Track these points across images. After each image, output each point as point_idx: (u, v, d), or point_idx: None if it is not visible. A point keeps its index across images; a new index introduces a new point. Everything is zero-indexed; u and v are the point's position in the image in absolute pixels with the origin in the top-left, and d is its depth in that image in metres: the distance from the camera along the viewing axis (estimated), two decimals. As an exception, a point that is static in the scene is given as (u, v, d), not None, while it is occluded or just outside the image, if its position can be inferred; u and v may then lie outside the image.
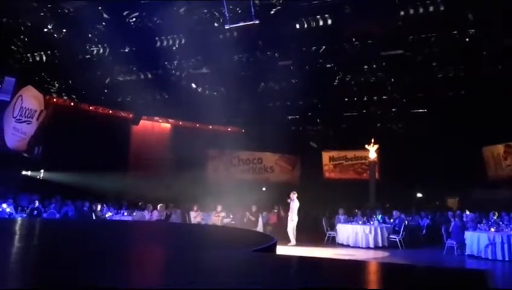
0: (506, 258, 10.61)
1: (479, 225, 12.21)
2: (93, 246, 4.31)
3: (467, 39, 14.86)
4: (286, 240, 13.18)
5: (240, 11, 13.42)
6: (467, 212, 14.99)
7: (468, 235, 11.49)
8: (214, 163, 22.70)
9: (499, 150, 20.02)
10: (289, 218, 13.81)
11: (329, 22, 15.03)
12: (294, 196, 13.92)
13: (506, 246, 10.70)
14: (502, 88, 16.31)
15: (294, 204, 13.81)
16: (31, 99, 15.87)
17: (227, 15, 12.23)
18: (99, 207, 14.44)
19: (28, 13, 14.90)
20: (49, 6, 14.81)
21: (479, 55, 15.47)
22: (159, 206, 14.52)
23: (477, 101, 17.32)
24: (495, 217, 13.33)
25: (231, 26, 12.30)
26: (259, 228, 14.54)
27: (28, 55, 16.55)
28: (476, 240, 11.20)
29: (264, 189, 21.66)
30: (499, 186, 18.74)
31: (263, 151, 23.05)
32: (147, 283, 2.25)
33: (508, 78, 15.76)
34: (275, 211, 16.96)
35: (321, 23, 15.13)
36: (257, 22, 12.00)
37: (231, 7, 13.13)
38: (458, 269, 7.05)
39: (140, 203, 15.63)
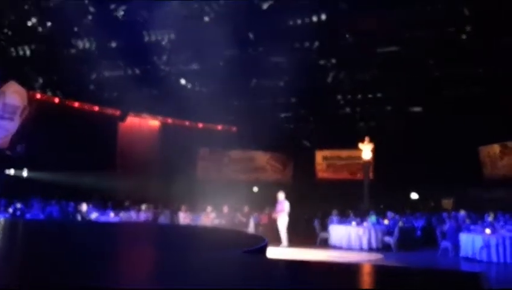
0: (501, 260, 10.45)
1: (473, 227, 12.08)
2: (78, 247, 4.22)
3: (464, 37, 14.76)
4: (278, 241, 12.98)
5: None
6: (462, 212, 14.88)
7: (463, 237, 11.34)
8: (204, 162, 22.52)
9: (495, 150, 20.08)
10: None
11: (324, 18, 14.92)
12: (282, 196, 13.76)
13: (501, 248, 10.55)
14: (498, 88, 16.28)
15: (285, 205, 13.56)
16: (13, 95, 15.53)
17: None
18: (84, 207, 14.08)
19: (11, 6, 14.60)
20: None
21: (476, 54, 15.38)
22: (143, 207, 14.26)
23: (474, 101, 17.37)
24: (490, 218, 13.21)
25: None
26: (251, 228, 14.33)
27: (11, 49, 16.26)
28: (470, 242, 11.04)
29: (255, 189, 21.45)
30: (495, 187, 18.68)
31: (255, 151, 22.90)
32: (134, 283, 2.22)
33: (504, 78, 15.72)
34: (266, 211, 16.70)
35: (315, 19, 15.01)
36: None
37: None
38: (453, 271, 6.87)
39: (126, 204, 15.32)
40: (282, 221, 13.34)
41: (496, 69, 15.87)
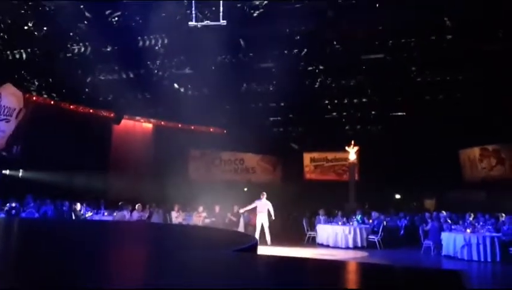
0: (482, 259, 10.80)
1: (454, 226, 12.39)
2: (74, 246, 4.22)
3: (445, 45, 15.19)
4: (266, 241, 13.26)
5: (208, 11, 13.31)
6: (443, 213, 15.29)
7: (445, 236, 11.65)
8: (195, 163, 22.63)
9: (475, 153, 20.46)
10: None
11: (312, 25, 15.16)
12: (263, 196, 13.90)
13: (481, 247, 10.88)
14: (478, 93, 16.73)
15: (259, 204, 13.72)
16: (10, 97, 15.60)
17: (194, 12, 12.06)
18: (78, 207, 14.27)
19: (8, 10, 14.65)
20: (30, 3, 14.62)
21: (456, 60, 15.82)
22: (137, 206, 14.42)
23: (454, 105, 17.74)
24: (471, 219, 13.62)
25: (197, 24, 12.09)
26: (241, 228, 14.52)
27: (8, 52, 16.24)
28: (452, 241, 11.35)
29: (245, 189, 21.71)
30: (474, 188, 19.14)
31: (245, 152, 23.10)
32: (125, 283, 2.22)
33: (484, 83, 16.17)
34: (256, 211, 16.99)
35: (303, 26, 15.25)
36: (224, 23, 11.83)
37: (200, 6, 13.03)
38: (434, 269, 7.15)
39: (120, 203, 15.48)
40: (260, 220, 13.54)
41: (475, 75, 16.25)
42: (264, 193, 13.93)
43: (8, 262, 3.04)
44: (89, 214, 14.37)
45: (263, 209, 13.64)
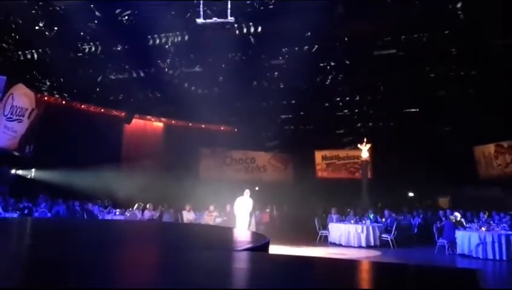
0: (497, 258, 10.67)
1: (469, 224, 12.26)
2: (84, 245, 4.28)
3: (458, 39, 14.99)
4: (279, 239, 13.15)
5: (215, 8, 13.15)
6: (457, 214, 15.00)
7: (459, 234, 11.53)
8: (206, 162, 22.57)
9: (490, 150, 20.12)
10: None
11: (322, 21, 15.06)
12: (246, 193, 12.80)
13: (496, 245, 10.77)
14: (493, 88, 16.50)
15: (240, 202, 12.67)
16: (22, 97, 15.71)
17: (202, 10, 11.94)
18: (90, 206, 14.36)
19: (19, 10, 14.78)
20: (40, 3, 14.72)
21: (471, 55, 15.60)
22: (148, 206, 14.46)
23: (469, 101, 17.51)
24: (486, 217, 13.44)
25: (205, 21, 11.95)
26: (252, 227, 14.50)
27: (19, 53, 16.40)
28: (467, 239, 11.25)
29: (256, 188, 21.64)
30: (489, 186, 18.85)
31: (256, 151, 23.03)
32: (134, 282, 2.24)
33: (499, 79, 15.93)
34: (268, 210, 16.97)
35: (314, 22, 15.16)
36: (232, 20, 11.69)
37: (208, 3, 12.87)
38: (449, 268, 7.03)
39: (132, 203, 15.55)
40: (241, 220, 12.50)
41: (490, 70, 16.02)
42: (247, 190, 12.82)
43: (18, 261, 3.05)
44: (100, 213, 14.44)
45: (244, 207, 12.56)
